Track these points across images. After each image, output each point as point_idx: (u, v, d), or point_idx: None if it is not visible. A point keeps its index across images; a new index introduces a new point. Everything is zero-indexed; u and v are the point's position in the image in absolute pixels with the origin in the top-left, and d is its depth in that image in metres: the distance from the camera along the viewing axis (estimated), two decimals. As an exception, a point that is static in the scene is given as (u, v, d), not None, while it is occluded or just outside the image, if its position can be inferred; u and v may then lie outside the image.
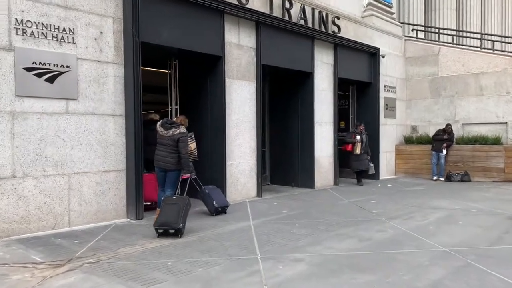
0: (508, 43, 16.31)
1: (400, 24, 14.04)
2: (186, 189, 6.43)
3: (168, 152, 6.20)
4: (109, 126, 6.43)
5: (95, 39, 6.29)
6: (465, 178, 11.61)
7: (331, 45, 10.72)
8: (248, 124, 8.66)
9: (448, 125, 12.04)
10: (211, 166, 8.21)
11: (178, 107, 8.21)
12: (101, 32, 6.35)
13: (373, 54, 12.14)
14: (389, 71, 12.94)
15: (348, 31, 11.18)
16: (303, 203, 8.22)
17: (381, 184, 11.22)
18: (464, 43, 15.62)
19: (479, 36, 15.32)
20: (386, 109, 12.85)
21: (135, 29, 6.49)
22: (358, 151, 10.82)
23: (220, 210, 7.02)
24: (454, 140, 12.21)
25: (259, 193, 8.80)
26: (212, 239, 5.41)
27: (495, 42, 14.69)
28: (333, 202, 8.28)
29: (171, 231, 5.47)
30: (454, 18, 18.78)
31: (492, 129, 12.08)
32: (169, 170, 6.24)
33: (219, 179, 8.07)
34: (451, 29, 16.59)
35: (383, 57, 12.38)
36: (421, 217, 6.74)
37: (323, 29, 10.22)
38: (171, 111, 8.25)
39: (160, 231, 5.51)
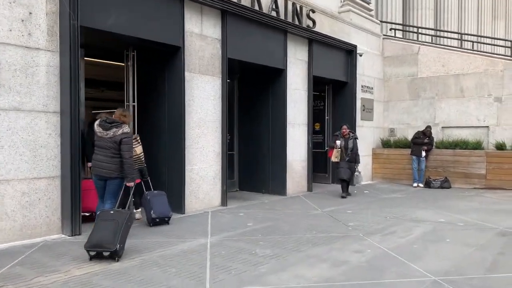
0: (486, 44, 15.90)
1: (378, 22, 13.38)
2: (129, 202, 5.45)
3: (108, 156, 5.21)
4: (39, 125, 5.39)
5: (22, 20, 5.25)
6: (445, 184, 10.99)
7: (306, 41, 9.90)
8: (212, 125, 7.73)
9: (428, 127, 11.40)
10: (168, 172, 7.24)
11: (136, 104, 7.19)
12: (30, 13, 5.31)
13: (350, 52, 11.40)
14: (367, 71, 12.24)
15: (324, 26, 10.40)
16: (272, 213, 7.34)
17: (357, 190, 10.46)
18: (443, 44, 15.08)
19: (458, 36, 14.83)
20: (363, 110, 12.14)
21: (72, 10, 5.47)
22: (334, 158, 9.21)
23: (158, 221, 6.11)
24: (434, 144, 11.59)
25: (224, 201, 7.88)
26: (156, 263, 4.45)
27: (474, 43, 14.21)
28: (306, 212, 7.44)
29: (106, 253, 4.49)
30: (432, 18, 18.31)
31: (473, 133, 11.52)
32: (110, 178, 5.25)
33: (177, 186, 7.11)
34: (430, 29, 16.08)
35: (360, 55, 11.66)
36: (403, 232, 5.95)
37: (296, 23, 9.39)
38: (127, 108, 7.22)
39: (93, 253, 4.52)
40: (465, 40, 13.81)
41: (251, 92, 9.83)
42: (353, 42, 11.41)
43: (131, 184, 5.32)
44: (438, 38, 15.57)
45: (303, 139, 9.93)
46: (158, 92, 7.36)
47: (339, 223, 6.54)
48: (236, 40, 8.06)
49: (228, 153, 9.21)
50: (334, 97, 11.74)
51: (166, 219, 6.21)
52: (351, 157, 9.22)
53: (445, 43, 15.33)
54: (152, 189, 6.52)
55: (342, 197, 9.11)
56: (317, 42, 10.07)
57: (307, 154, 10.04)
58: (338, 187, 10.57)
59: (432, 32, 15.90)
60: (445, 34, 16.22)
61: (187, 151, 7.18)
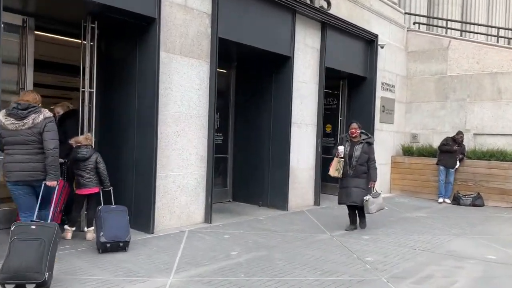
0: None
1: (402, 10, 11.69)
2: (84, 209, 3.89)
3: (31, 154, 3.71)
4: None
5: None
6: (477, 202, 9.27)
7: (318, 24, 8.28)
8: (196, 121, 6.16)
9: (460, 133, 9.69)
10: (136, 179, 5.69)
11: (94, 90, 5.63)
12: None
13: (370, 42, 9.75)
14: (388, 66, 10.57)
15: (341, 9, 8.75)
16: (267, 237, 5.74)
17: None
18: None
19: (494, 31, 13.10)
20: (383, 111, 10.47)
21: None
22: (333, 172, 6.28)
23: (109, 247, 4.54)
24: (465, 153, 9.88)
25: (208, 217, 6.30)
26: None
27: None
28: (310, 237, 5.82)
29: (30, 286, 3.05)
30: (459, 14, 16.56)
31: (511, 142, 9.79)
32: (38, 182, 3.76)
33: (145, 198, 5.55)
34: (461, 22, 14.30)
35: (382, 47, 10.00)
36: (443, 276, 4.31)
37: (308, 1, 7.77)
38: (83, 96, 5.66)
39: (10, 287, 3.06)
40: (501, 37, 12.02)
41: (250, 85, 8.24)
42: (373, 31, 9.76)
43: (53, 183, 3.83)
44: (469, 33, 13.80)
45: (310, 142, 8.31)
46: (126, 77, 5.81)
47: (353, 257, 4.91)
48: (231, 16, 6.49)
49: (219, 156, 7.70)
50: (349, 95, 10.09)
51: (121, 244, 4.65)
52: (358, 170, 6.21)
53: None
54: (113, 203, 4.99)
55: (351, 228, 6.31)
56: (332, 27, 8.44)
57: (315, 161, 8.42)
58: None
59: (463, 27, 14.10)
60: (478, 29, 14.43)
61: (160, 153, 5.61)
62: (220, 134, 8.24)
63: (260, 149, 8.03)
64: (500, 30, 11.87)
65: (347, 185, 6.24)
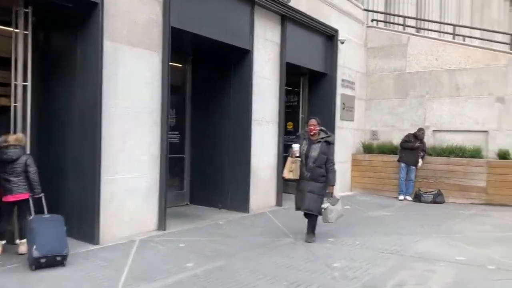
0: (482, 39, 14.33)
1: (361, 6, 11.56)
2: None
3: None
4: None
5: None
6: (438, 198, 9.24)
7: (278, 18, 7.91)
8: (147, 118, 5.60)
9: (421, 130, 9.64)
10: (78, 184, 5.07)
11: (29, 84, 4.95)
12: None
13: (330, 38, 9.51)
14: (348, 63, 10.39)
15: (300, 3, 8.41)
16: (227, 243, 5.29)
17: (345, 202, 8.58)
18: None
19: (448, 28, 13.28)
20: (343, 109, 10.27)
21: None
22: (287, 173, 5.58)
23: (44, 262, 3.96)
24: (426, 150, 9.86)
25: (162, 224, 5.75)
26: None
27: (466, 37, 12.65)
28: (272, 243, 5.43)
29: None
30: (414, 12, 16.76)
31: (470, 138, 9.84)
32: None
33: (88, 204, 4.94)
34: (418, 19, 14.42)
35: (342, 42, 9.78)
36: (416, 283, 4.03)
37: (267, -8, 7.38)
38: (15, 91, 4.97)
39: None
40: (457, 35, 12.14)
41: (208, 79, 7.74)
42: (334, 26, 9.52)
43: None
44: (424, 31, 13.92)
45: (272, 140, 7.94)
46: (66, 70, 5.17)
47: (319, 263, 4.55)
48: (185, 5, 5.97)
49: (175, 156, 7.17)
50: (310, 91, 9.81)
51: (58, 258, 4.04)
52: (315, 172, 5.44)
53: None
54: (46, 211, 4.36)
55: (308, 240, 5.50)
56: (292, 20, 8.09)
57: (276, 159, 8.04)
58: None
59: (417, 24, 14.21)
60: (433, 27, 14.58)
61: (105, 153, 5.01)
62: (177, 132, 7.71)
63: (220, 148, 7.56)
64: (456, 28, 11.98)
65: (302, 188, 5.50)
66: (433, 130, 10.31)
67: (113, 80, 5.10)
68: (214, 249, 4.96)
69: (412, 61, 10.61)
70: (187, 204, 7.88)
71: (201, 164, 7.84)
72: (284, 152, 8.49)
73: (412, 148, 9.43)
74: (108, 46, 4.99)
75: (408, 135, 9.68)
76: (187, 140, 7.94)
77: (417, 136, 9.54)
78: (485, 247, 5.39)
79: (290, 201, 8.46)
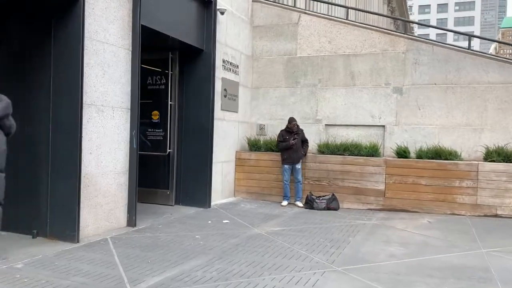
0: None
1: (247, -24, 9.74)
2: None
3: None
4: None
5: None
6: (332, 204, 7.82)
7: (130, -40, 5.62)
8: None
9: (292, 120, 8.16)
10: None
11: None
12: None
13: (207, 4, 7.48)
14: (231, 41, 8.49)
15: (166, -51, 6.23)
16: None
17: (214, 217, 6.60)
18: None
19: (343, 13, 12.17)
20: (225, 96, 8.35)
21: None
22: None
23: None
24: (310, 146, 8.44)
25: None
26: None
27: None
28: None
29: None
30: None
31: (366, 133, 8.66)
32: None
33: None
34: None
35: (222, 13, 7.83)
36: None
37: None
38: None
39: None
40: (351, 21, 11.00)
41: (12, 39, 5.14)
42: (212, -9, 7.52)
43: None
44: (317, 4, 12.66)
45: (121, 134, 5.63)
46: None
47: None
48: None
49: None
50: (182, 72, 7.67)
51: None
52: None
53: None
54: None
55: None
56: (151, -32, 5.87)
57: (128, 162, 5.76)
58: (186, 212, 6.69)
59: (310, 6, 12.89)
60: (325, 10, 13.45)
61: None
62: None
63: (34, 148, 5.03)
64: (350, 10, 10.81)
65: None
66: (326, 124, 8.94)
67: None
68: None
69: (303, 43, 9.11)
70: (-15, 230, 5.18)
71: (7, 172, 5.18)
72: (149, 150, 6.32)
73: (290, 146, 7.92)
74: None
75: (280, 134, 8.22)
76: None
77: (290, 129, 8.05)
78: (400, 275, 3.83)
79: (149, 217, 6.30)
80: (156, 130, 7.67)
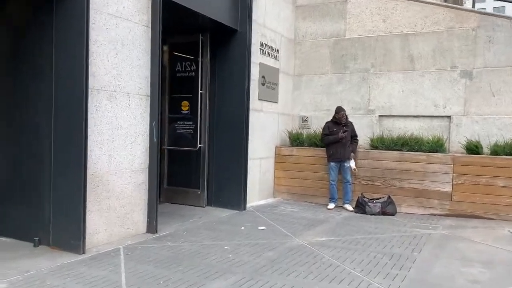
0: None
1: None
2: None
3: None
4: None
5: None
6: (388, 208, 6.68)
7: None
8: None
9: (340, 110, 7.04)
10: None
11: None
12: None
13: (242, -22, 6.55)
14: (270, 22, 7.52)
15: None
16: None
17: (248, 222, 5.69)
18: None
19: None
20: (263, 84, 7.39)
21: None
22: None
23: None
24: (360, 140, 7.32)
25: None
26: None
27: None
28: None
29: None
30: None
31: (427, 125, 7.42)
32: None
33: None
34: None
35: (260, -11, 6.88)
36: None
37: None
38: None
39: None
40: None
41: (20, 15, 4.45)
42: (247, -38, 6.56)
43: None
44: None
45: (139, 126, 4.81)
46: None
47: None
48: None
49: None
50: (214, 57, 6.78)
51: None
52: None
53: None
54: None
55: None
56: None
57: (148, 157, 4.95)
58: (218, 216, 5.81)
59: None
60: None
61: None
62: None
63: (36, 141, 4.31)
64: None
65: None
66: (380, 116, 7.78)
67: None
68: None
69: (353, 23, 7.97)
70: (-14, 235, 4.54)
71: (5, 170, 4.52)
72: (178, 145, 5.55)
73: (338, 140, 6.83)
74: None
75: (326, 126, 7.13)
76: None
77: (338, 120, 6.95)
78: None
79: (178, 220, 5.50)
80: (186, 123, 6.85)
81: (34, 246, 4.21)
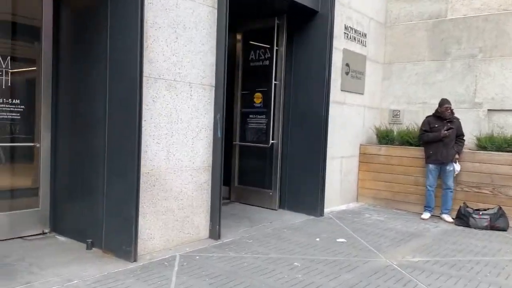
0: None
1: None
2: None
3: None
4: None
5: None
6: (498, 222, 5.48)
7: None
8: None
9: (445, 102, 5.88)
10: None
11: None
12: None
13: (324, -48, 5.74)
14: (356, 3, 6.62)
15: None
16: None
17: (325, 232, 4.93)
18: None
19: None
20: (347, 74, 6.53)
21: None
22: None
23: None
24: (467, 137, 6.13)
25: None
26: None
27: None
28: None
29: None
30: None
31: (553, 122, 6.02)
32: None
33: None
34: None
35: (345, -36, 6.01)
36: None
37: None
38: None
39: None
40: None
41: (76, 18, 4.16)
42: None
43: None
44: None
45: (202, 120, 4.29)
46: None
47: None
48: None
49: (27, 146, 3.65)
50: (290, 43, 6.07)
51: None
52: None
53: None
54: None
55: None
56: None
57: (211, 154, 4.42)
58: (290, 221, 5.15)
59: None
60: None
61: None
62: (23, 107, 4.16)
63: (91, 134, 3.98)
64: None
65: None
66: (489, 110, 6.50)
67: None
68: None
69: (457, 1, 6.75)
70: (45, 233, 4.34)
71: (70, 164, 4.26)
72: (250, 140, 4.98)
73: (440, 139, 5.72)
74: None
75: (426, 121, 6.03)
76: (50, 119, 4.36)
77: (442, 115, 5.79)
78: None
79: (245, 223, 4.94)
80: (258, 117, 6.26)
81: (87, 248, 3.89)
